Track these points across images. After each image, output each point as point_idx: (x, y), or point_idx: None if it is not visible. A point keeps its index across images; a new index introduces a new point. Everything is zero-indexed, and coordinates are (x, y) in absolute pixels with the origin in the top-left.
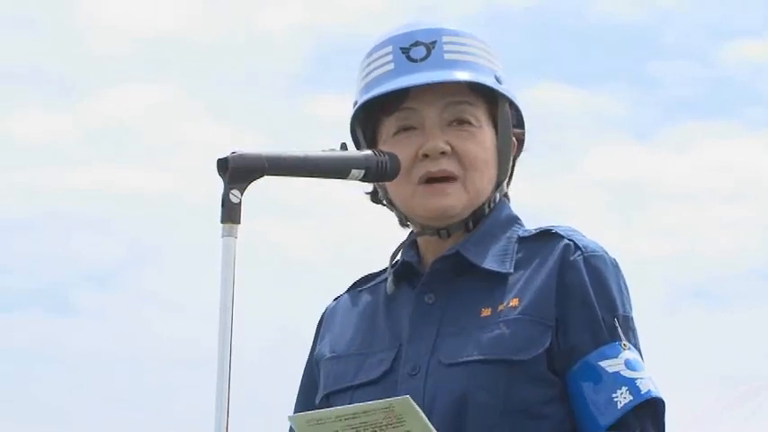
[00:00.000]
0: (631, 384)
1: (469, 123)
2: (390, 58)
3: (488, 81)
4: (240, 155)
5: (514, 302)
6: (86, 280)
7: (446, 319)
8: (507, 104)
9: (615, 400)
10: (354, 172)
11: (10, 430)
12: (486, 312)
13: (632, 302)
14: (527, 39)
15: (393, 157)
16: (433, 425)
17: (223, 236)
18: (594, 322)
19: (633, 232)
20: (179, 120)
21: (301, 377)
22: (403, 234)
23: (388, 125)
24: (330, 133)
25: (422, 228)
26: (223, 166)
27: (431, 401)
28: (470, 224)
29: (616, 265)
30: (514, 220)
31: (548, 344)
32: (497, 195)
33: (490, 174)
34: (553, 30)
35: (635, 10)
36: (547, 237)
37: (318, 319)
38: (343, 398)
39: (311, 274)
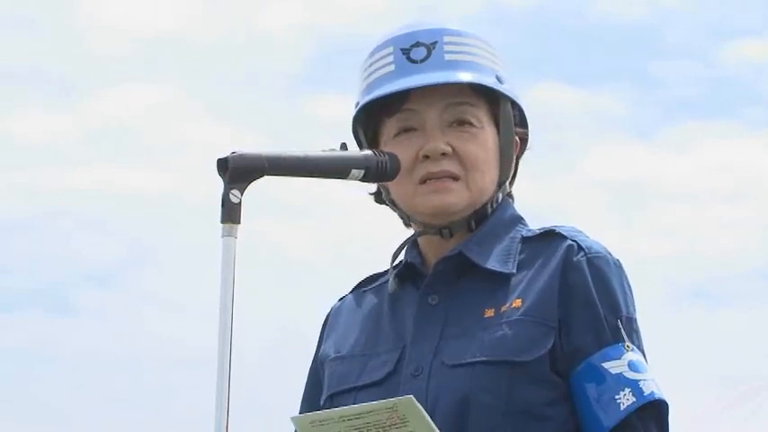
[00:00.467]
0: (634, 386)
1: (470, 124)
2: (391, 59)
3: (489, 81)
4: (240, 155)
5: (517, 303)
6: (86, 280)
7: (449, 320)
8: (509, 104)
9: (618, 401)
10: (354, 172)
11: (10, 430)
12: (490, 313)
13: (636, 304)
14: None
15: (393, 158)
16: (436, 424)
17: (223, 236)
18: (597, 323)
19: (633, 232)
20: (179, 120)
21: (306, 377)
22: (404, 234)
23: (390, 126)
24: (330, 133)
25: (424, 227)
26: (223, 166)
27: (434, 402)
28: (472, 223)
29: (619, 267)
30: (518, 221)
31: (550, 345)
32: (500, 195)
33: (492, 174)
34: (553, 30)
35: (635, 10)
36: (550, 237)
37: (323, 319)
38: (347, 399)
39: (311, 274)
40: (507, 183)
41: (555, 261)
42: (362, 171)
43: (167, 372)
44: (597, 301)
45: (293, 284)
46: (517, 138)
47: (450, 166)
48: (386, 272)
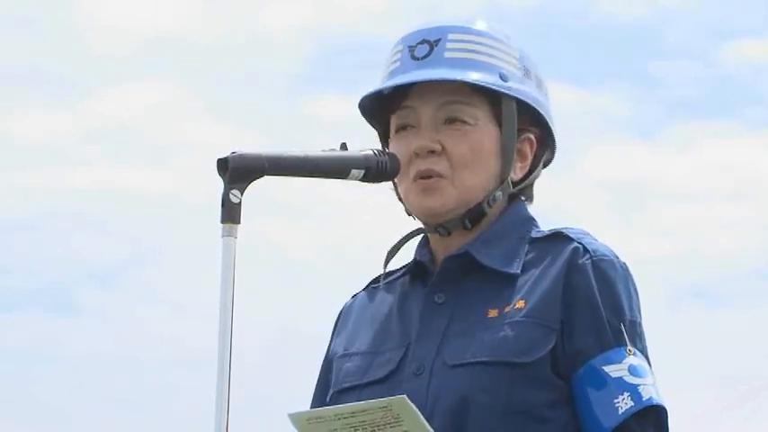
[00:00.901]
0: (633, 390)
1: (463, 122)
2: (399, 56)
3: (487, 80)
4: (240, 155)
5: (520, 304)
6: (87, 280)
7: (454, 319)
8: (513, 103)
9: (617, 405)
10: (354, 172)
11: (10, 430)
12: (493, 313)
13: (641, 308)
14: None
15: (393, 157)
16: (434, 425)
17: (223, 236)
18: (600, 326)
19: (633, 232)
20: (179, 120)
21: (318, 374)
22: (403, 232)
23: (393, 122)
24: (330, 133)
25: (424, 224)
26: (223, 166)
27: (434, 402)
28: (467, 222)
29: (626, 270)
30: (530, 221)
31: (551, 347)
32: (499, 194)
33: (486, 172)
34: (554, 29)
35: (636, 10)
36: (557, 239)
37: (336, 316)
38: (351, 396)
39: (311, 274)
40: (509, 181)
41: (560, 263)
42: (362, 171)
43: (167, 372)
44: (600, 304)
45: (293, 284)
46: (532, 136)
47: (437, 164)
48: (399, 269)
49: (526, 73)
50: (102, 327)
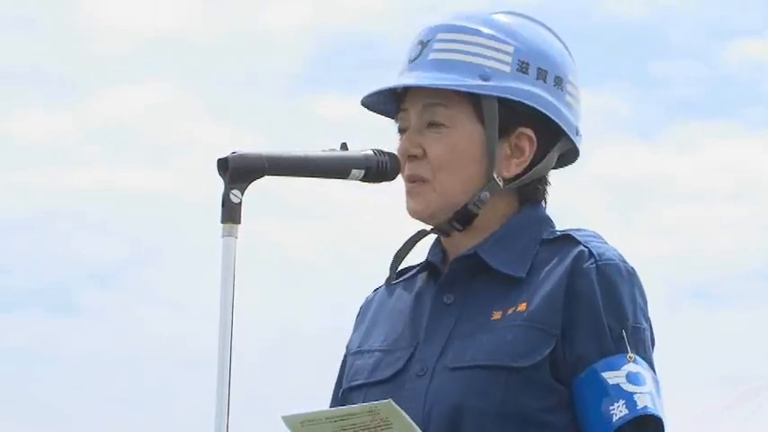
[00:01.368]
0: (629, 398)
1: (441, 125)
2: (404, 56)
3: (464, 81)
4: (240, 155)
5: (522, 307)
6: (87, 280)
7: (461, 320)
8: (495, 102)
9: (612, 412)
10: (354, 172)
11: (10, 430)
12: (497, 316)
13: (648, 313)
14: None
15: (393, 158)
16: (431, 428)
17: (223, 236)
18: (600, 332)
19: (634, 232)
20: (179, 120)
21: (339, 370)
22: (407, 233)
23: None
24: (331, 133)
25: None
26: (223, 166)
27: (432, 403)
28: (456, 224)
29: (632, 275)
30: (543, 222)
31: (548, 352)
32: (486, 194)
33: (466, 173)
34: (555, 29)
35: (636, 9)
36: (565, 241)
37: (357, 309)
38: (358, 394)
39: (311, 274)
40: (495, 180)
41: (564, 266)
42: (363, 171)
43: (167, 372)
44: (602, 310)
45: (293, 284)
46: (528, 131)
47: (420, 168)
48: (417, 265)
49: (522, 68)
50: (102, 327)
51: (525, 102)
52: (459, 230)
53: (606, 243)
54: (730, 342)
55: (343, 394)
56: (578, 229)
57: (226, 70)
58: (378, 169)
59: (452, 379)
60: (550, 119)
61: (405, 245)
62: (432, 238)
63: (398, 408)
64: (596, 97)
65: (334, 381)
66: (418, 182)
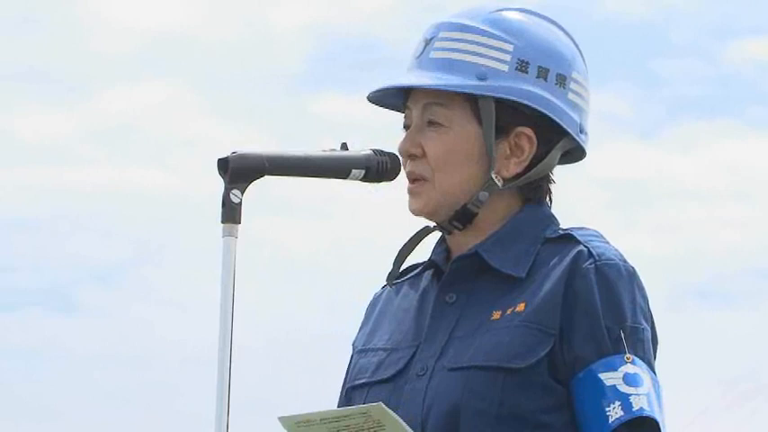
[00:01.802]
0: (625, 400)
1: (439, 125)
2: (410, 53)
3: (460, 81)
4: (240, 155)
5: (521, 307)
6: (88, 279)
7: (462, 319)
8: (492, 102)
9: (608, 413)
10: (355, 172)
11: (10, 430)
12: (497, 316)
13: (648, 314)
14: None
15: (394, 157)
16: (429, 428)
17: (223, 236)
18: (598, 333)
19: (637, 231)
20: (183, 118)
21: (346, 367)
22: (408, 232)
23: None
24: (332, 132)
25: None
26: (223, 166)
27: (430, 404)
28: (456, 224)
29: (632, 274)
30: (548, 220)
31: (545, 352)
32: (484, 194)
33: (464, 173)
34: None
35: (639, 9)
36: (566, 240)
37: (367, 305)
38: (360, 393)
39: (311, 274)
40: (494, 180)
41: (563, 266)
42: (363, 171)
43: (167, 371)
44: (600, 310)
45: (293, 284)
46: (527, 131)
47: (419, 167)
48: (420, 263)
49: (521, 67)
50: (104, 326)
51: (522, 101)
52: (459, 230)
53: (607, 243)
54: (730, 342)
55: (346, 393)
56: (580, 228)
57: (231, 69)
58: (378, 169)
59: (451, 379)
60: (551, 118)
61: (409, 241)
62: (437, 235)
63: (389, 410)
64: (598, 97)
65: (342, 379)
66: (419, 181)
